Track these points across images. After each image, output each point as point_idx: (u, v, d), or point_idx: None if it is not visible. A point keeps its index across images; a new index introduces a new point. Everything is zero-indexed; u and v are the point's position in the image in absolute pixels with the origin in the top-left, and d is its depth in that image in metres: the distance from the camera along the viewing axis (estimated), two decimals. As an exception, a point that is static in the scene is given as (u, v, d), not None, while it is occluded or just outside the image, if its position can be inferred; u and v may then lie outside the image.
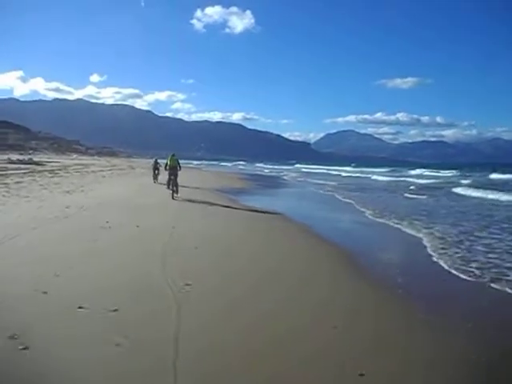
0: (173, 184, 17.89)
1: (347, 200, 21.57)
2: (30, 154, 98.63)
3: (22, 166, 31.62)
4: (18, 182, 18.92)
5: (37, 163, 35.65)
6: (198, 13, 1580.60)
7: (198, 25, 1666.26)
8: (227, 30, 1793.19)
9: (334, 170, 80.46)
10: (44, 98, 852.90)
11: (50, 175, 23.87)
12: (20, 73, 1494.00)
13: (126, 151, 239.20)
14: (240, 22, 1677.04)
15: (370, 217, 15.52)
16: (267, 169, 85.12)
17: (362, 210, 17.47)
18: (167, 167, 18.43)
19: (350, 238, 12.19)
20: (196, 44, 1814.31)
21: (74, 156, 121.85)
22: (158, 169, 24.53)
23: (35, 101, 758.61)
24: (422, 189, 30.48)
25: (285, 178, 49.54)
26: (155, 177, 24.39)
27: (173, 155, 18.69)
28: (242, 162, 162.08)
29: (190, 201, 17.64)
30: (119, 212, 12.98)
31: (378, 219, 14.81)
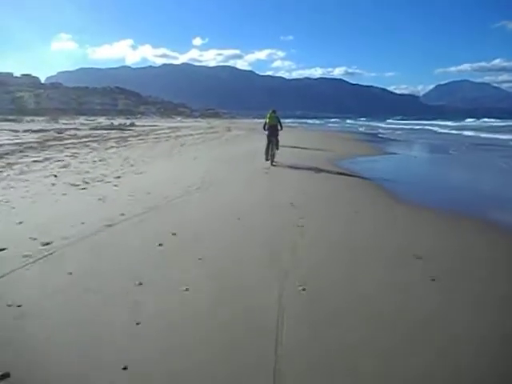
0: (272, 147, 14.60)
1: None
2: (136, 118, 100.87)
3: (104, 131, 28.81)
4: (35, 161, 13.05)
5: (122, 129, 32.76)
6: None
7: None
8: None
9: (438, 125, 68.44)
10: (153, 65, 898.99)
11: (114, 145, 19.39)
12: (130, 41, 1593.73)
13: (230, 112, 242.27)
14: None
15: None
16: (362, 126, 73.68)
17: None
18: (266, 126, 15.13)
19: None
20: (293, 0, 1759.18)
21: (178, 119, 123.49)
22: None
23: (145, 67, 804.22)
24: None
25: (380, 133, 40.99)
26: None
27: (273, 111, 15.14)
28: (334, 119, 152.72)
29: (295, 168, 13.73)
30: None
31: None
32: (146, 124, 52.75)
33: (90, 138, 21.73)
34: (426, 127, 59.19)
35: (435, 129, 53.62)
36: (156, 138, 23.31)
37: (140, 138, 23.33)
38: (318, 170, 13.14)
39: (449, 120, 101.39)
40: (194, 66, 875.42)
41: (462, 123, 69.73)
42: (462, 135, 38.58)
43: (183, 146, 19.08)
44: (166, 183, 10.19)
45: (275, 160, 14.51)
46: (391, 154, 20.45)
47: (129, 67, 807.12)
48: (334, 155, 18.39)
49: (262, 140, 16.38)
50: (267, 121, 14.89)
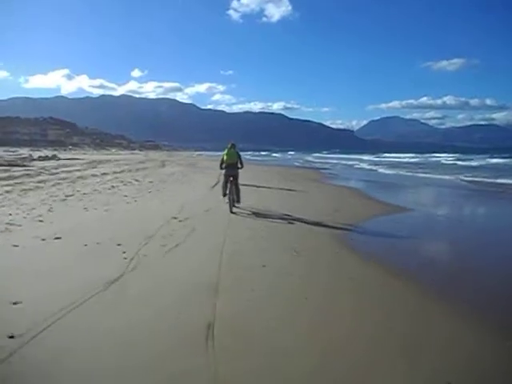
0: (231, 189, 11.76)
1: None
2: (65, 149, 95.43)
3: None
4: None
5: (26, 166, 26.54)
6: (234, 3, 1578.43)
7: (234, 15, 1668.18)
8: (264, 19, 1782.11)
9: (395, 157, 72.69)
10: (91, 95, 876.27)
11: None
12: (66, 71, 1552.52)
13: (170, 145, 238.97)
14: (277, 9, 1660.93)
15: None
16: (332, 159, 71.98)
17: None
18: (223, 165, 12.24)
19: None
20: (233, 35, 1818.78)
21: (113, 150, 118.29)
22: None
23: (82, 98, 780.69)
24: None
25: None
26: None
27: (232, 146, 12.30)
28: (291, 152, 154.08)
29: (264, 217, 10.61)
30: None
31: None
32: (68, 157, 47.73)
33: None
34: (351, 162, 57.99)
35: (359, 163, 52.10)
36: (52, 181, 17.57)
37: (34, 179, 18.22)
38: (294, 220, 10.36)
39: (382, 152, 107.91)
40: (134, 97, 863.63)
41: (381, 158, 71.16)
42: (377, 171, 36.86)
43: (63, 201, 11.90)
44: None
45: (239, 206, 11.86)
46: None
47: (65, 97, 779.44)
48: (300, 195, 15.95)
49: (202, 183, 13.00)
50: (225, 158, 12.08)
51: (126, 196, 13.60)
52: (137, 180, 19.72)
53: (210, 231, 8.66)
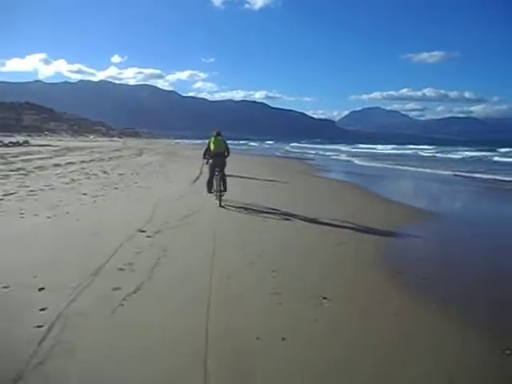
0: (218, 181, 10.61)
1: None
2: (41, 135, 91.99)
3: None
4: None
5: None
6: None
7: (216, 1, 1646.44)
8: (246, 6, 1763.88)
9: (380, 149, 71.34)
10: (69, 80, 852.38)
11: None
12: (43, 55, 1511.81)
13: (150, 132, 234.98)
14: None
15: None
16: (310, 149, 70.14)
17: None
18: (207, 154, 10.96)
19: None
20: (215, 21, 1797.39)
21: (91, 137, 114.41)
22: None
23: (61, 83, 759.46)
24: None
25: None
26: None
27: (217, 134, 10.97)
28: (270, 142, 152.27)
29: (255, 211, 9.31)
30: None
31: None
32: (40, 143, 44.39)
33: None
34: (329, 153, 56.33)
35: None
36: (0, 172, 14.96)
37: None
38: (289, 217, 9.11)
39: (364, 143, 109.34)
40: (114, 83, 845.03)
41: (361, 150, 69.71)
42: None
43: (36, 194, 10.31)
44: None
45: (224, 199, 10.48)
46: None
47: (42, 82, 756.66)
48: (290, 187, 14.16)
49: (182, 176, 11.80)
50: (211, 146, 10.80)
51: (84, 194, 10.80)
52: (105, 172, 16.85)
53: (189, 254, 6.02)
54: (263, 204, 10.37)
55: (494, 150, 51.17)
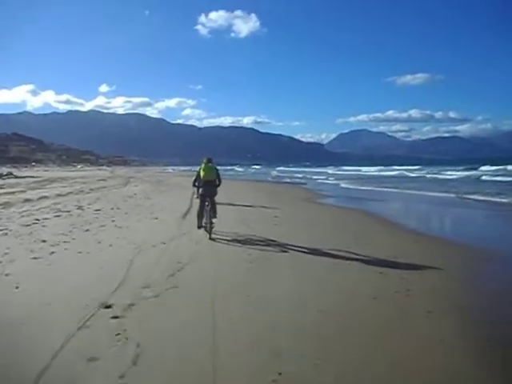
0: (209, 213, 9.72)
1: None
2: (28, 166, 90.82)
3: None
4: None
5: None
6: (202, 18, 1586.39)
7: (202, 30, 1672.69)
8: (232, 35, 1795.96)
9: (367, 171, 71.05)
10: (58, 111, 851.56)
11: None
12: (31, 86, 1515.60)
13: (140, 160, 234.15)
14: (245, 25, 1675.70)
15: None
16: (299, 173, 68.67)
17: None
18: (197, 182, 10.31)
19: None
20: (202, 50, 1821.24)
21: (79, 167, 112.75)
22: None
23: (49, 114, 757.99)
24: None
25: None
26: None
27: (208, 161, 10.17)
28: (257, 166, 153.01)
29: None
30: None
31: None
32: (24, 175, 42.55)
33: None
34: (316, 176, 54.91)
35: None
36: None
37: None
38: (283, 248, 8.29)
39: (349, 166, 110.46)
40: (103, 113, 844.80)
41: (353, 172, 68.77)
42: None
43: None
44: None
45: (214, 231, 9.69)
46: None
47: (31, 113, 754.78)
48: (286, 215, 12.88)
49: (169, 209, 12.00)
50: (201, 173, 10.11)
51: (43, 241, 8.50)
52: (80, 207, 14.54)
53: (173, 359, 3.73)
54: (275, 239, 8.36)
55: (477, 169, 51.98)
